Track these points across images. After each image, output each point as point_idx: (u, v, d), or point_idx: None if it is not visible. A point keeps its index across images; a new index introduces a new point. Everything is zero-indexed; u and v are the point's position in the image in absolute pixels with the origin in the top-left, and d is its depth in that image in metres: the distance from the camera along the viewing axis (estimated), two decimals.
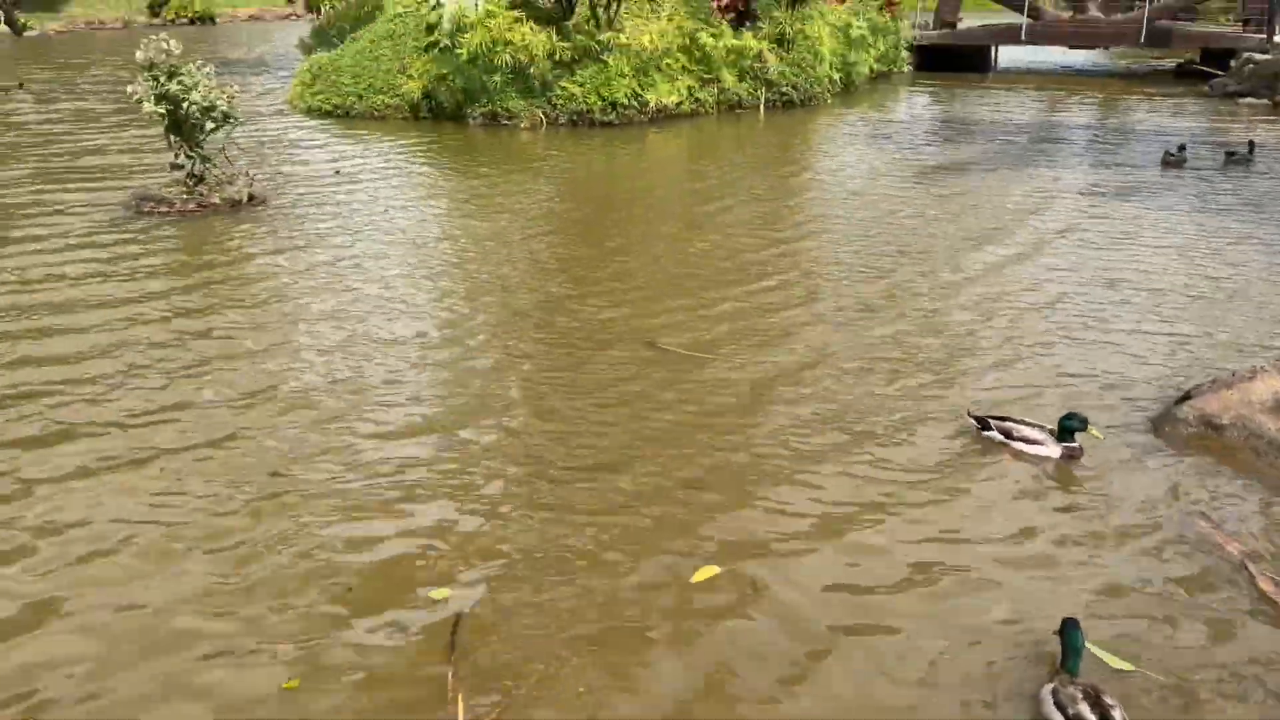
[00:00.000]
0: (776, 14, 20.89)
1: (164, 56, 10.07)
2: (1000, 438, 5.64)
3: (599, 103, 17.67)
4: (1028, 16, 27.11)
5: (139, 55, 10.16)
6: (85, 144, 14.95)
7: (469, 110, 17.60)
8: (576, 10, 18.42)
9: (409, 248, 9.86)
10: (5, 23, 33.51)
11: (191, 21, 41.27)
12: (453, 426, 5.94)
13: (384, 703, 3.72)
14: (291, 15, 47.81)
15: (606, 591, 4.36)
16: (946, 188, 12.90)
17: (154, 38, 10.15)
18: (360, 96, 18.00)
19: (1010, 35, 27.62)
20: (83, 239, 9.73)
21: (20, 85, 21.57)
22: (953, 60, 27.88)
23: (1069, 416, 5.52)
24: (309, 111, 18.17)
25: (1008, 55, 30.50)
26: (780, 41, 20.59)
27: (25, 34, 33.92)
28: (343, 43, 20.93)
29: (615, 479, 5.31)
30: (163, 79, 10.12)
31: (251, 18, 46.13)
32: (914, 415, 6.12)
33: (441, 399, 6.37)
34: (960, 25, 29.52)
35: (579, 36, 17.89)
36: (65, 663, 3.91)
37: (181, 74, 10.19)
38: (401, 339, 7.37)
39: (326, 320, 7.74)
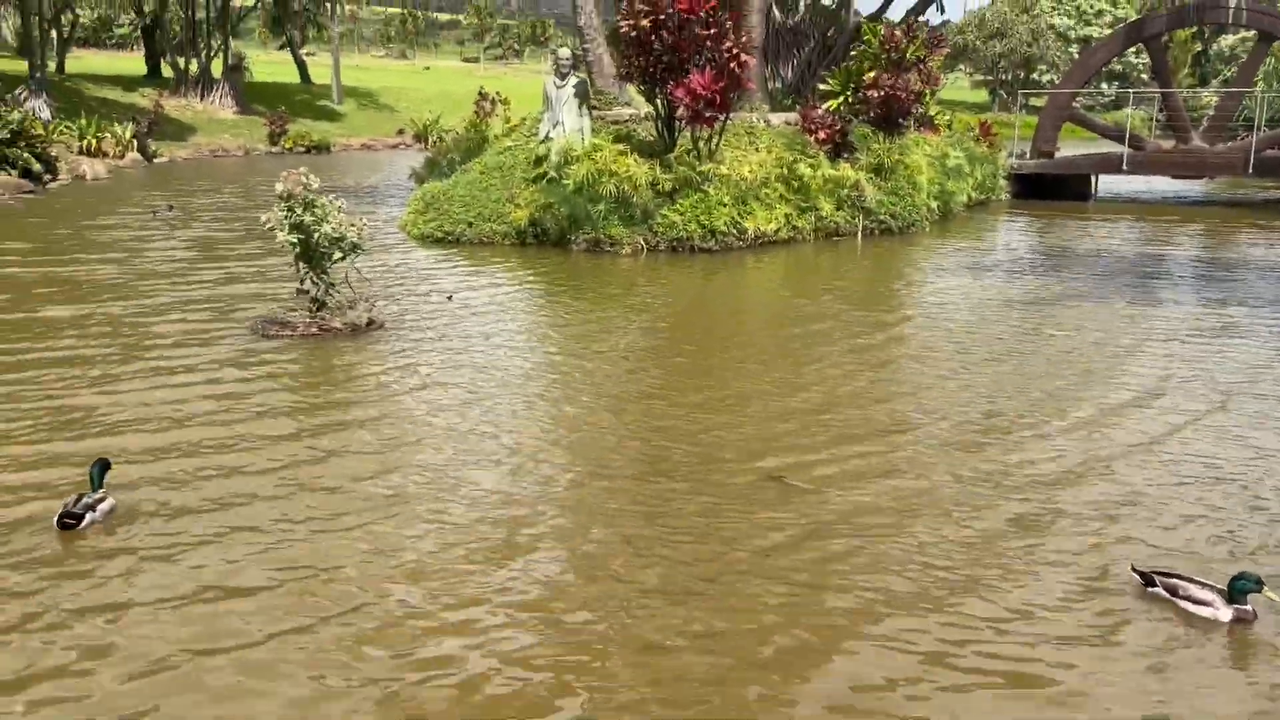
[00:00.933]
0: (875, 145, 21.23)
1: (301, 189, 10.62)
2: (1166, 595, 5.35)
3: (699, 230, 18.04)
4: (1129, 146, 27.04)
5: (278, 187, 10.75)
6: (211, 266, 15.75)
7: (573, 236, 18.11)
8: (678, 143, 19.00)
9: (517, 370, 10.07)
10: (139, 150, 35.91)
11: (307, 150, 43.71)
12: (556, 559, 5.90)
13: None
14: (400, 145, 50.36)
15: None
16: (1048, 319, 12.72)
17: (294, 171, 10.75)
18: (470, 224, 18.69)
19: (1111, 165, 27.53)
20: (210, 358, 10.15)
21: (170, 207, 23.02)
22: (1052, 189, 27.85)
23: (1241, 577, 5.20)
24: (421, 238, 18.91)
25: (1108, 184, 30.35)
26: (878, 171, 20.87)
27: (155, 160, 36.29)
28: (453, 173, 21.91)
29: (730, 634, 5.18)
30: (298, 209, 10.66)
31: (364, 146, 48.71)
32: (1053, 567, 5.87)
33: (544, 526, 6.35)
34: (1058, 154, 29.57)
35: (680, 168, 18.41)
36: None
37: (316, 206, 10.73)
38: (507, 463, 7.44)
39: (439, 440, 7.88)
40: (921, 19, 26.16)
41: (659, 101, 18.84)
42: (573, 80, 19.27)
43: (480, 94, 37.99)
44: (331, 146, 45.62)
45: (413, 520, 6.47)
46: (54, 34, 46.10)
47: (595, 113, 20.28)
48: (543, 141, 19.23)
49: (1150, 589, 5.45)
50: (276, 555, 5.92)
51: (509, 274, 15.83)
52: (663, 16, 17.41)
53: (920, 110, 23.16)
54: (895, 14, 28.35)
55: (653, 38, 17.52)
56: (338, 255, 11.18)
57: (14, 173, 25.25)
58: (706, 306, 14.18)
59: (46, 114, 34.19)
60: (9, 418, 8.20)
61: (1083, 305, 13.66)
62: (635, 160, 18.15)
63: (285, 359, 10.35)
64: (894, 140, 21.54)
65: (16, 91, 35.06)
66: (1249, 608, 5.19)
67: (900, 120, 21.85)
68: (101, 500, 6.23)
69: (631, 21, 17.55)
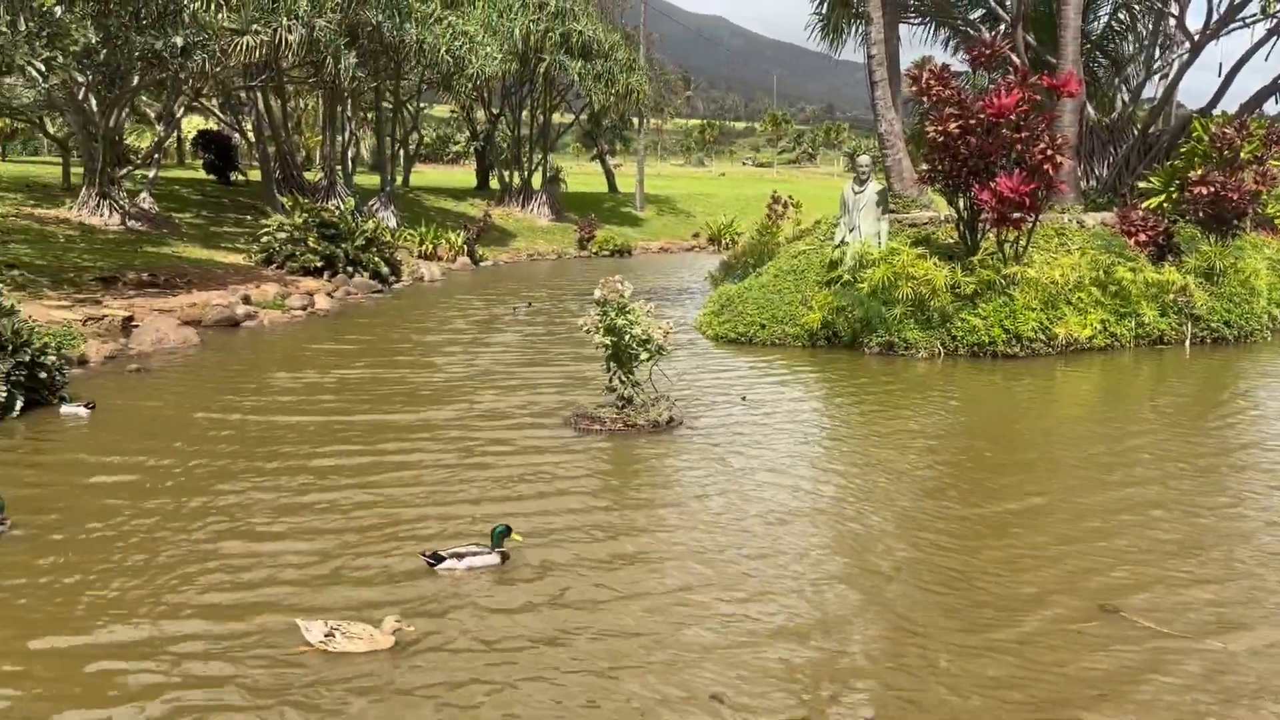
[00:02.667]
0: (1204, 248, 19.57)
1: (617, 294, 11.37)
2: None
3: (1002, 335, 17.33)
4: None
5: (597, 293, 11.58)
6: (532, 363, 17.06)
7: (865, 340, 17.97)
8: (981, 246, 18.48)
9: (805, 473, 10.08)
10: (468, 254, 39.75)
11: (611, 254, 46.53)
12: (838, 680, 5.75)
13: None
14: (695, 247, 52.43)
15: None
16: None
17: (611, 279, 11.55)
18: (763, 325, 19.05)
19: None
20: (530, 448, 10.98)
21: (529, 304, 25.38)
22: None
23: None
24: (716, 338, 19.50)
25: None
26: (1208, 275, 19.15)
27: (481, 264, 39.99)
28: (746, 275, 22.52)
29: None
30: (612, 314, 11.40)
31: (661, 249, 51.19)
32: None
33: (834, 637, 6.22)
34: None
35: (983, 271, 17.86)
36: None
37: (629, 310, 11.43)
38: (797, 567, 7.42)
39: (734, 533, 8.01)
40: (1257, 114, 24.04)
41: (961, 204, 18.49)
42: (872, 186, 19.37)
43: (773, 197, 38.93)
44: (633, 249, 48.30)
45: (705, 619, 6.60)
46: (401, 152, 52.47)
47: (893, 215, 20.23)
48: (838, 246, 19.38)
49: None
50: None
51: (801, 376, 15.93)
52: (972, 121, 17.20)
53: (1258, 210, 21.11)
54: (1228, 104, 26.10)
55: (959, 142, 17.32)
56: (644, 356, 11.78)
57: (366, 274, 28.77)
58: (1009, 415, 13.53)
59: (393, 222, 38.81)
60: (396, 484, 9.26)
61: None
62: (935, 263, 17.84)
63: (596, 451, 10.98)
64: (1226, 243, 19.74)
65: (370, 203, 40.09)
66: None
67: (1234, 221, 20.01)
68: (478, 555, 7.42)
69: (939, 127, 17.45)
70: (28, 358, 12.41)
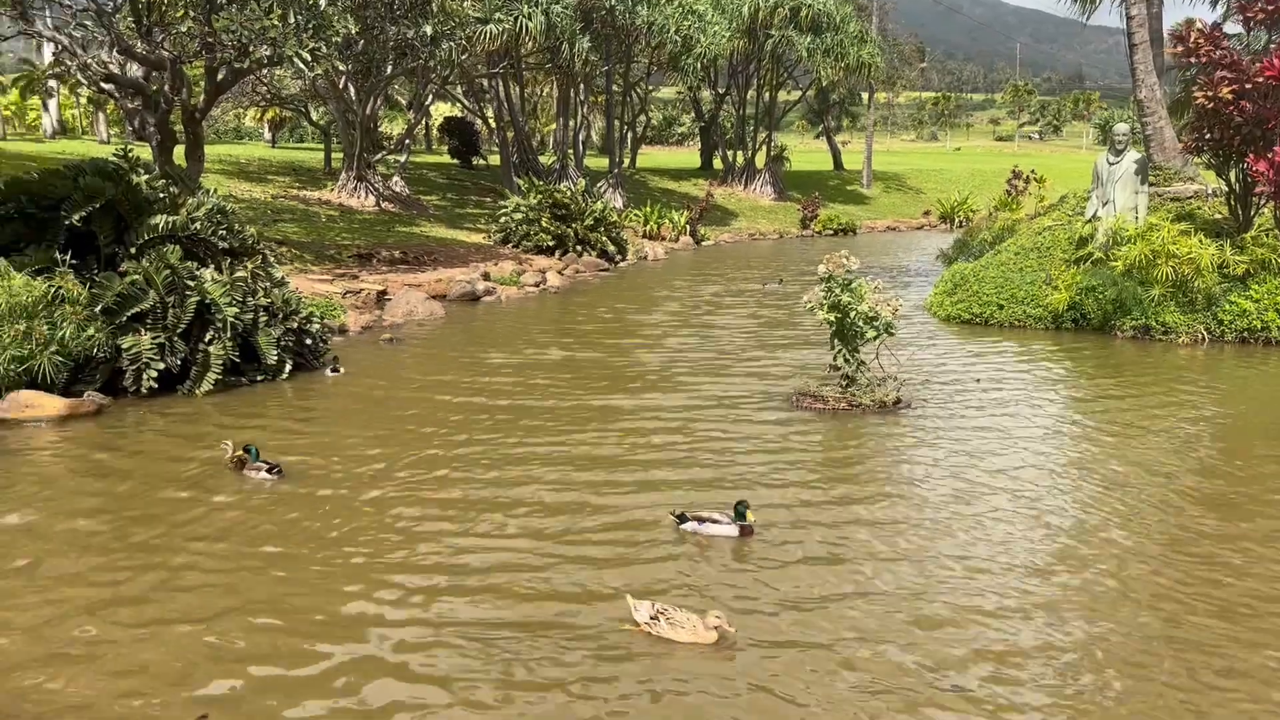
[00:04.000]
0: None
1: (842, 270, 11.11)
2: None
3: (1278, 320, 15.63)
4: None
5: (820, 269, 11.36)
6: (755, 340, 17.01)
7: (1117, 323, 16.71)
8: (1255, 223, 16.72)
9: (1036, 464, 9.45)
10: (690, 234, 40.09)
11: (835, 233, 45.64)
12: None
13: None
14: (925, 226, 50.53)
15: None
16: None
17: (835, 254, 11.30)
18: (1001, 306, 18.09)
19: None
20: (748, 423, 10.93)
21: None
22: None
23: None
24: (947, 319, 18.70)
25: None
26: None
27: (702, 243, 40.25)
28: (982, 254, 21.44)
29: None
30: (837, 290, 11.15)
31: (888, 228, 49.69)
32: None
33: (1066, 643, 5.79)
34: None
35: (1257, 249, 16.17)
36: None
37: (854, 286, 11.15)
38: (1022, 558, 6.96)
39: (956, 523, 7.63)
40: None
41: (1232, 176, 16.78)
42: (1130, 156, 17.91)
43: (1013, 173, 36.86)
44: (857, 229, 47.15)
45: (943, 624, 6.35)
46: (629, 134, 53.53)
47: (1152, 189, 18.65)
48: (1089, 221, 18.09)
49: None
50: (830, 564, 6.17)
51: (1041, 360, 15.00)
52: (1248, 85, 15.55)
53: None
54: None
55: (1231, 108, 15.71)
56: (870, 334, 11.45)
57: (594, 253, 29.63)
58: None
59: (620, 203, 39.74)
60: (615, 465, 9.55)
61: None
62: (1199, 241, 16.31)
63: (817, 430, 10.80)
64: None
65: (598, 185, 41.21)
66: None
67: None
68: (719, 523, 7.63)
69: (1209, 92, 15.89)
70: (295, 325, 13.62)
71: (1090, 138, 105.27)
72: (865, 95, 63.62)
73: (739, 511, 7.70)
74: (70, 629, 6.01)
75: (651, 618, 6.02)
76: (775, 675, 5.55)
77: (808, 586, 6.73)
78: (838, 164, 64.71)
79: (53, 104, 47.40)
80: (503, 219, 29.69)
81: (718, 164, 55.85)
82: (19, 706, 5.08)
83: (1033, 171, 36.12)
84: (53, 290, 11.46)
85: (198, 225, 13.32)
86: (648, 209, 38.71)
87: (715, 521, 7.66)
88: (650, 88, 58.17)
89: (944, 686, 5.41)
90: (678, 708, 5.26)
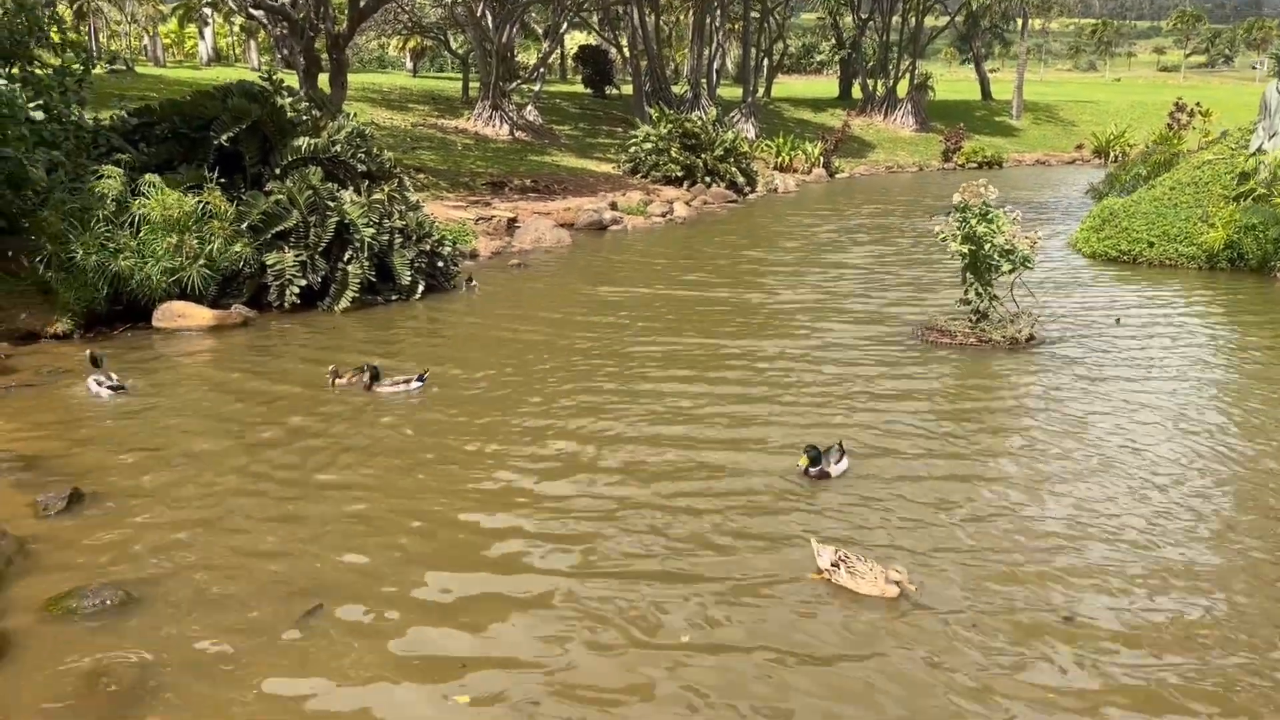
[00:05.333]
0: None
1: (979, 199, 10.69)
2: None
3: None
4: None
5: (955, 198, 10.95)
6: (885, 270, 16.61)
7: (1277, 264, 15.59)
8: None
9: (1189, 405, 8.95)
10: (824, 166, 39.12)
11: (979, 166, 43.77)
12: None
13: None
14: (1077, 160, 47.96)
15: None
16: None
17: (973, 182, 10.86)
18: (1151, 244, 17.10)
19: None
20: (871, 356, 10.74)
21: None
22: None
23: None
24: (1093, 256, 17.81)
25: None
26: None
27: (836, 176, 39.26)
28: (1135, 189, 20.24)
29: None
30: (972, 220, 10.74)
31: (1037, 162, 47.36)
32: None
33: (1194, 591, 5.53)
34: None
35: None
36: None
37: (991, 217, 10.72)
38: (1141, 509, 6.64)
39: (1079, 468, 7.35)
40: None
41: None
42: None
43: (1176, 105, 34.48)
44: (1004, 162, 45.09)
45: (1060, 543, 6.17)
46: (765, 63, 52.31)
47: None
48: (1253, 155, 16.82)
49: None
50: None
51: (1190, 301, 14.15)
52: None
53: None
54: None
55: None
56: (1005, 268, 11.02)
57: (723, 184, 29.30)
58: None
59: (752, 133, 39.06)
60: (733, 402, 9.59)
61: None
62: None
63: (943, 365, 10.53)
64: None
65: (731, 115, 40.56)
66: None
67: None
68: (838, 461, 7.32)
69: None
70: (428, 247, 14.03)
71: (1265, 69, 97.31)
72: (1019, 21, 60.31)
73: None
74: (220, 508, 6.46)
75: (832, 564, 5.68)
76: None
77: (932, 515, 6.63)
78: (985, 94, 61.75)
79: (208, 32, 49.56)
80: (632, 149, 29.63)
81: (857, 93, 54.10)
82: (170, 569, 5.52)
83: (1197, 104, 33.66)
84: (202, 206, 12.08)
85: (338, 148, 13.78)
86: (780, 140, 37.93)
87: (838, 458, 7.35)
88: (789, 13, 56.50)
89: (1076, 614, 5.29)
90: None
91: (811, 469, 7.18)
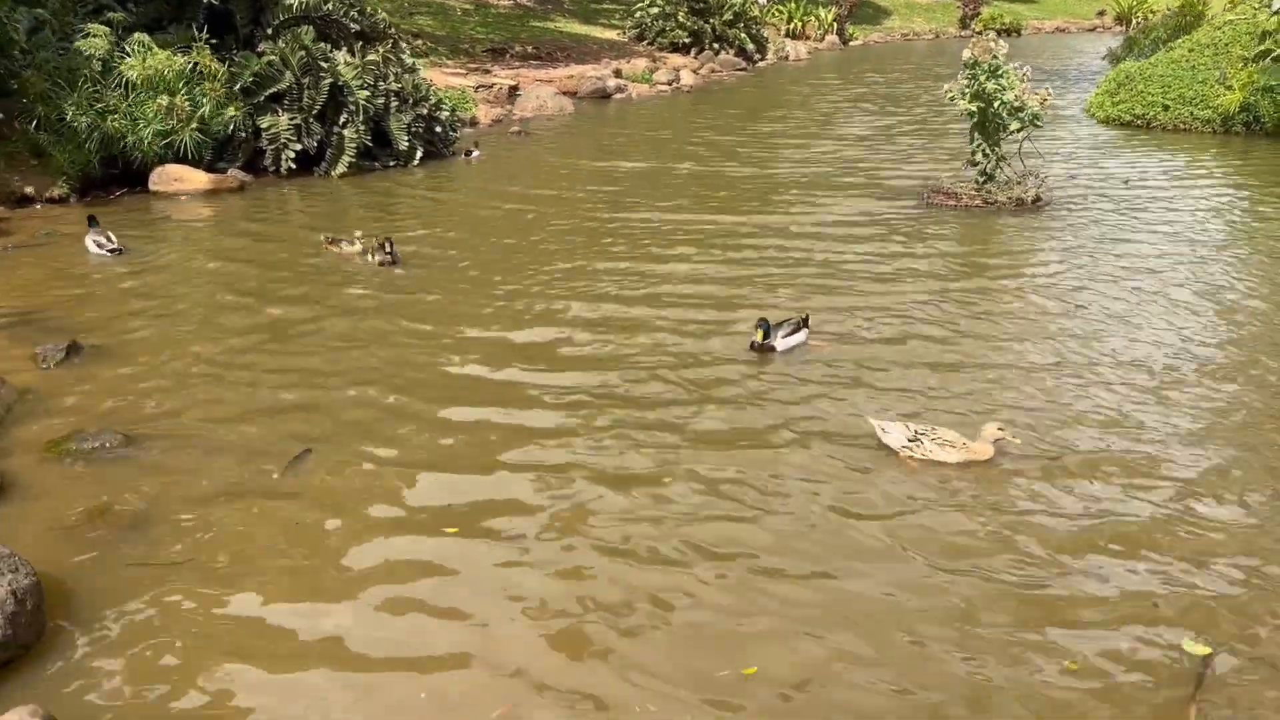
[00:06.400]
0: None
1: (989, 55, 10.37)
2: None
3: None
4: None
5: (965, 54, 10.63)
6: (892, 136, 16.28)
7: None
8: None
9: (1177, 274, 8.76)
10: (837, 33, 37.95)
11: (999, 33, 42.48)
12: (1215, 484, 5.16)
13: None
14: (1098, 27, 46.43)
15: None
16: None
17: (983, 35, 10.52)
18: (1166, 107, 16.67)
19: None
20: (874, 219, 10.61)
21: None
22: None
23: None
24: (1107, 120, 17.41)
25: None
26: None
27: (850, 43, 38.13)
28: (1154, 52, 19.62)
29: None
30: (982, 77, 10.45)
31: (1057, 29, 45.90)
32: None
33: (1198, 447, 5.57)
34: None
35: None
36: None
37: (1001, 74, 10.42)
38: (1145, 365, 6.64)
39: (1089, 322, 7.33)
40: None
41: None
42: None
43: None
44: (1023, 29, 43.66)
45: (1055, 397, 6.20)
46: None
47: None
48: (1276, 12, 16.20)
49: None
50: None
51: (1203, 163, 13.87)
52: None
53: None
54: None
55: None
56: (1014, 126, 10.76)
57: (731, 50, 28.50)
58: None
59: None
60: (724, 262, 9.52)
61: None
62: None
63: (946, 226, 10.41)
64: None
65: None
66: None
67: None
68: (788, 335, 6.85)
69: None
70: (425, 111, 13.75)
71: None
72: None
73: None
74: (219, 362, 6.52)
75: (911, 440, 5.23)
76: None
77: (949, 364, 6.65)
78: None
79: None
80: (638, 14, 28.74)
81: None
82: (168, 416, 5.62)
83: None
84: (192, 66, 11.81)
85: (330, 6, 13.38)
86: (792, 5, 36.72)
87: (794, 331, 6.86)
88: None
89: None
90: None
91: (758, 343, 6.78)
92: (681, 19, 27.83)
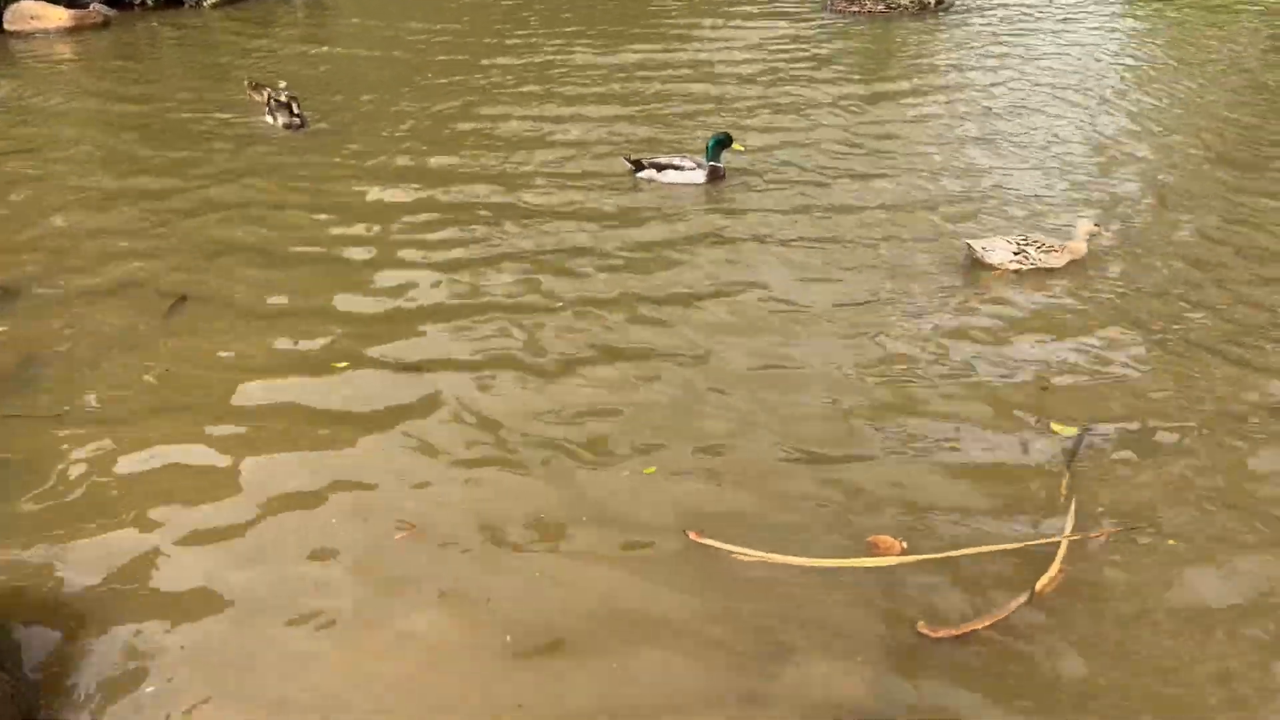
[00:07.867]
0: None
1: None
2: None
3: None
4: None
5: None
6: None
7: None
8: None
9: (1087, 62, 8.80)
10: None
11: None
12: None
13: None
14: None
15: None
16: None
17: None
18: None
19: None
20: (781, 31, 10.33)
21: None
22: None
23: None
24: None
25: None
26: None
27: None
28: None
29: None
30: None
31: None
32: None
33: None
34: None
35: None
36: None
37: None
38: (1052, 138, 6.74)
39: (979, 119, 7.39)
40: None
41: None
42: None
43: None
44: None
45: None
46: None
47: None
48: None
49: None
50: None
51: None
52: None
53: None
54: None
55: None
56: None
57: None
58: None
59: None
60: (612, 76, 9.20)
61: None
62: None
63: (849, 34, 10.19)
64: None
65: None
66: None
67: None
68: (681, 170, 6.54)
69: None
70: None
71: None
72: None
73: (711, 148, 6.51)
74: (95, 210, 6.23)
75: (1016, 253, 5.14)
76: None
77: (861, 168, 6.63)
78: None
79: None
80: None
81: None
82: (44, 264, 5.39)
83: None
84: None
85: None
86: None
87: (677, 168, 6.53)
88: None
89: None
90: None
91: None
92: None
